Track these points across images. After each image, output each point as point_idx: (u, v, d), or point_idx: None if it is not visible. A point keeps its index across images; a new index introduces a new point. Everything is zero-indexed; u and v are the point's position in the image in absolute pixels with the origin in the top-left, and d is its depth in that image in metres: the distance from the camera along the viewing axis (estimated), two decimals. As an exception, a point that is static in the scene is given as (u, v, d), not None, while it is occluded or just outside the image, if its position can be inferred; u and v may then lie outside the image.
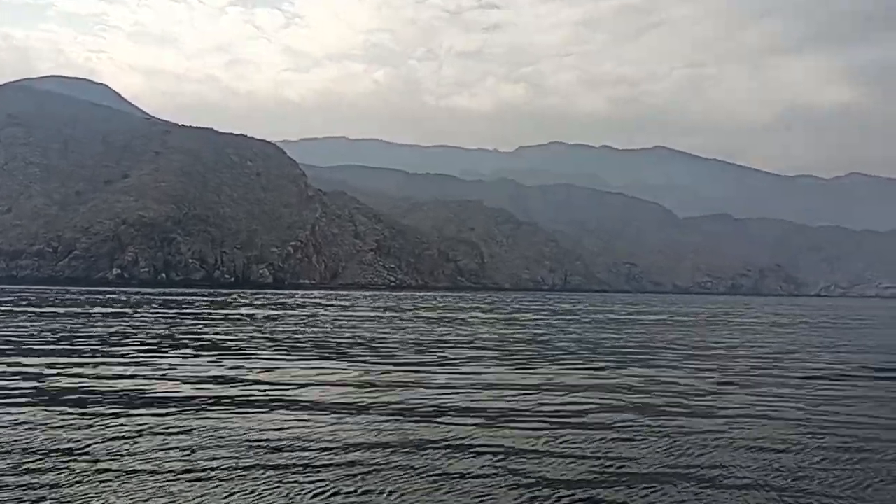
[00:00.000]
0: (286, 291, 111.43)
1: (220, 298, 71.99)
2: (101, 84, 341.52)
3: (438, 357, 21.83)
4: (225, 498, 7.95)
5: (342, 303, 69.24)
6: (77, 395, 13.78)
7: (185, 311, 46.22)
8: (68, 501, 7.68)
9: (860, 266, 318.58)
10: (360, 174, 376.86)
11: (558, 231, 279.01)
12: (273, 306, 57.15)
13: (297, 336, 28.45)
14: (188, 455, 9.51)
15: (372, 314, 48.41)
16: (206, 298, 70.42)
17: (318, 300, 74.72)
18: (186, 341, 24.98)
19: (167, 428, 11.01)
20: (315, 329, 32.64)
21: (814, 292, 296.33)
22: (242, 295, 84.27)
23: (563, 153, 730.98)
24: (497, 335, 31.97)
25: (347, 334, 30.11)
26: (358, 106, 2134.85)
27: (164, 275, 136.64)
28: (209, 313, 44.33)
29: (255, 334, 28.88)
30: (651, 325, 45.33)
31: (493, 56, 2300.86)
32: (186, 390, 14.68)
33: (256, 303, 63.08)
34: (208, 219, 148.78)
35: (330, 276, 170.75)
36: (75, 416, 11.71)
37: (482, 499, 8.19)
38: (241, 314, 44.46)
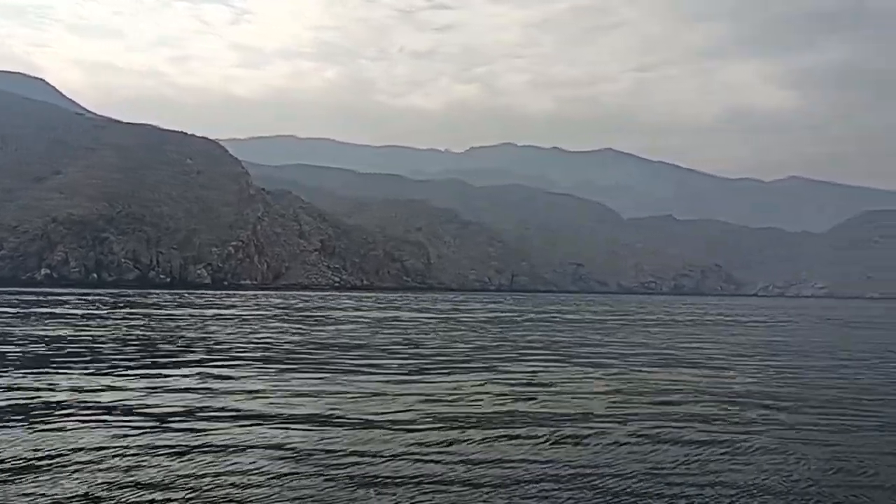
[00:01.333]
0: (225, 292, 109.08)
1: (110, 300, 69.82)
2: (37, 78, 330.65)
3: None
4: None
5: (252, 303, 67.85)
6: None
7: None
8: None
9: (796, 267, 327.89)
10: (308, 173, 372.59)
11: (506, 231, 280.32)
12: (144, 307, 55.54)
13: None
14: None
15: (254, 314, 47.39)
16: (101, 299, 68.22)
17: (233, 301, 73.10)
18: None
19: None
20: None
21: (753, 292, 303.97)
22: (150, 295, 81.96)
23: (513, 154, 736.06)
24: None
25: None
26: (308, 104, 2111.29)
27: (95, 275, 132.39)
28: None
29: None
30: (541, 324, 45.41)
31: (445, 56, 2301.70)
32: None
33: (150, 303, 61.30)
34: (144, 217, 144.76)
35: (273, 276, 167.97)
36: None
37: None
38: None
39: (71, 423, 12.18)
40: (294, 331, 33.54)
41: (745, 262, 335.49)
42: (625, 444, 11.72)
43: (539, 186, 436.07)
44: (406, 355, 24.58)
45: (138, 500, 8.40)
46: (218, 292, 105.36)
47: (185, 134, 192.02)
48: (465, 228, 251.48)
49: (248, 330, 33.86)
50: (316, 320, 42.61)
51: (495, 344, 29.52)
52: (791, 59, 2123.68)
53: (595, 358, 24.94)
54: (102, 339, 27.49)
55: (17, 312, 43.05)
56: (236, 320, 39.86)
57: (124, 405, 13.98)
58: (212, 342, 26.62)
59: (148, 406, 13.95)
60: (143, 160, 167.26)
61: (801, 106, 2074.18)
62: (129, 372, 18.57)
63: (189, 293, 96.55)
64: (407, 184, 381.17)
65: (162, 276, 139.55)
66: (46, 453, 10.20)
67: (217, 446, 10.85)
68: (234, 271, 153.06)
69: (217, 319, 40.35)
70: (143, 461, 9.89)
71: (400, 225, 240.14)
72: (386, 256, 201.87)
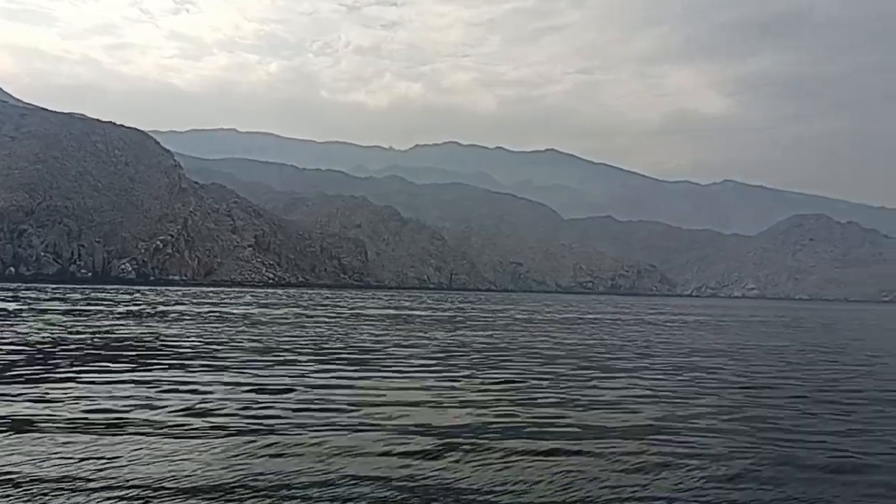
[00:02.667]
0: (151, 288, 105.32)
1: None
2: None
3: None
4: None
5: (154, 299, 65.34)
6: None
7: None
8: None
9: (728, 268, 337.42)
10: (248, 168, 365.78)
11: (446, 230, 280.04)
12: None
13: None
14: None
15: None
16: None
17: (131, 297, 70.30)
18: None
19: None
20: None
21: (687, 292, 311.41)
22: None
23: (457, 152, 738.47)
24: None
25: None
26: (250, 98, 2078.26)
27: (12, 269, 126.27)
28: None
29: None
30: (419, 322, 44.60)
31: (391, 53, 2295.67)
32: None
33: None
34: (66, 209, 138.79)
35: (204, 272, 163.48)
36: None
37: None
38: None
39: None
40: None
41: (680, 263, 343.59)
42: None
43: (482, 185, 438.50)
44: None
45: None
46: (154, 288, 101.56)
47: (114, 124, 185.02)
48: (406, 226, 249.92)
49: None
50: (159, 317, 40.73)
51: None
52: (731, 66, 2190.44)
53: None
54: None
55: None
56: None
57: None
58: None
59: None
60: (67, 150, 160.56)
61: (738, 112, 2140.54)
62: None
63: (113, 289, 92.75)
64: (348, 180, 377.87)
65: (83, 271, 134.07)
66: None
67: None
68: (161, 266, 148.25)
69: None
70: None
71: (339, 222, 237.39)
72: (323, 253, 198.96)
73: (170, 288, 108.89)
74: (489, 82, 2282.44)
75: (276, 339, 28.07)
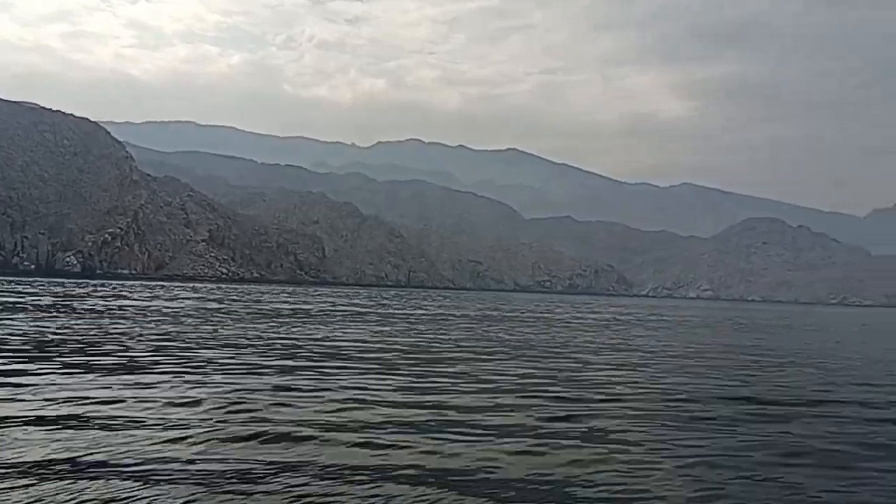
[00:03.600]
0: (97, 281, 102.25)
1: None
2: None
3: None
4: None
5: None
6: None
7: None
8: None
9: (684, 269, 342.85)
10: (205, 161, 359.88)
11: (406, 227, 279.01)
12: None
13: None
14: None
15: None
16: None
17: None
18: None
19: None
20: None
21: (643, 292, 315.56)
22: None
23: (419, 150, 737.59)
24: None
25: None
26: (211, 90, 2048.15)
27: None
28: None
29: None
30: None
31: (355, 48, 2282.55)
32: None
33: None
34: (9, 200, 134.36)
35: (155, 266, 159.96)
36: None
37: None
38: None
39: None
40: None
41: (637, 263, 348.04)
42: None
43: (443, 183, 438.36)
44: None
45: None
46: (81, 281, 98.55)
47: (64, 114, 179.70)
48: (364, 223, 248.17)
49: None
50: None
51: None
52: (690, 71, 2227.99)
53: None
54: None
55: None
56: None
57: None
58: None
59: None
60: (13, 139, 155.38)
61: (697, 116, 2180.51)
62: None
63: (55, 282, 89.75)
64: (308, 176, 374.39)
65: (26, 263, 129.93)
66: None
67: None
68: (110, 260, 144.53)
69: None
70: None
71: (296, 217, 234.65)
72: (279, 249, 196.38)
73: (115, 282, 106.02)
74: (453, 80, 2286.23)
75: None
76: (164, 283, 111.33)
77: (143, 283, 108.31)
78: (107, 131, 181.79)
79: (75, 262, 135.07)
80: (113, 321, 31.28)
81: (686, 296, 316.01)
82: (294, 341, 25.91)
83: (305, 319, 39.11)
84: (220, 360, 18.98)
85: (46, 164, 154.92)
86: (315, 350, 23.03)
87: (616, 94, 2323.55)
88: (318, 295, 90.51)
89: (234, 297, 67.60)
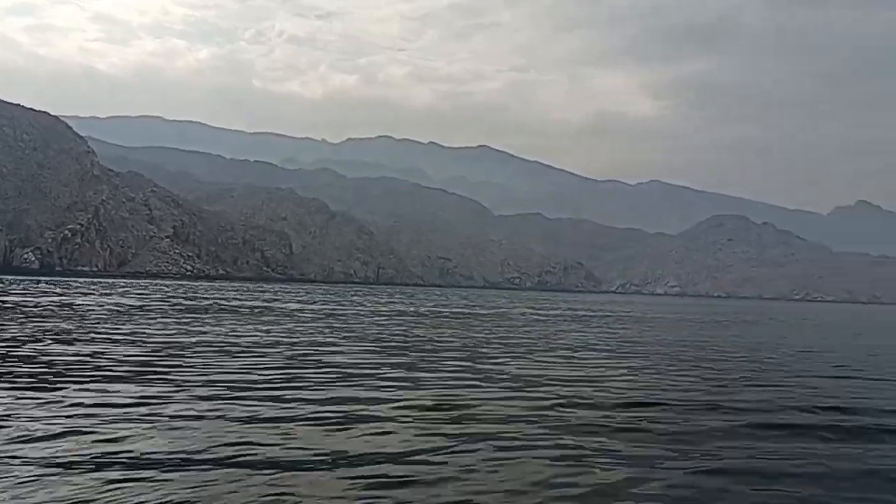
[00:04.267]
0: (59, 279, 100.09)
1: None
2: None
3: None
4: None
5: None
6: None
7: None
8: None
9: (652, 266, 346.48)
10: (172, 156, 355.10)
11: (375, 224, 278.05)
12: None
13: None
14: None
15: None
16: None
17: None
18: None
19: None
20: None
21: (612, 289, 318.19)
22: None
23: (390, 147, 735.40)
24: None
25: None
26: (179, 85, 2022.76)
27: None
28: None
29: None
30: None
31: (326, 44, 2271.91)
32: None
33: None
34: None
35: (117, 263, 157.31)
36: None
37: None
38: None
39: None
40: None
41: (606, 260, 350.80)
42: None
43: (413, 180, 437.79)
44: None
45: None
46: (60, 279, 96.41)
47: (23, 108, 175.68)
48: (333, 219, 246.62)
49: None
50: None
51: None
52: (658, 70, 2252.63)
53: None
54: None
55: None
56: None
57: None
58: None
59: None
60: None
61: (666, 115, 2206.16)
62: None
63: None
64: (277, 172, 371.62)
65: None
66: None
67: None
68: (70, 257, 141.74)
69: None
70: None
71: (264, 214, 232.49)
72: (246, 245, 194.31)
73: (77, 279, 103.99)
74: (424, 77, 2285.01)
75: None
76: (125, 281, 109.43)
77: (101, 280, 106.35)
78: (68, 125, 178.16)
79: (34, 258, 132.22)
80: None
81: (654, 292, 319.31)
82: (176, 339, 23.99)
83: (228, 317, 37.63)
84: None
85: (4, 158, 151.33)
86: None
87: (586, 92, 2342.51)
88: (277, 292, 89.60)
89: (175, 294, 66.47)
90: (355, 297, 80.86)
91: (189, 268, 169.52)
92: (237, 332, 27.49)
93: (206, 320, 32.98)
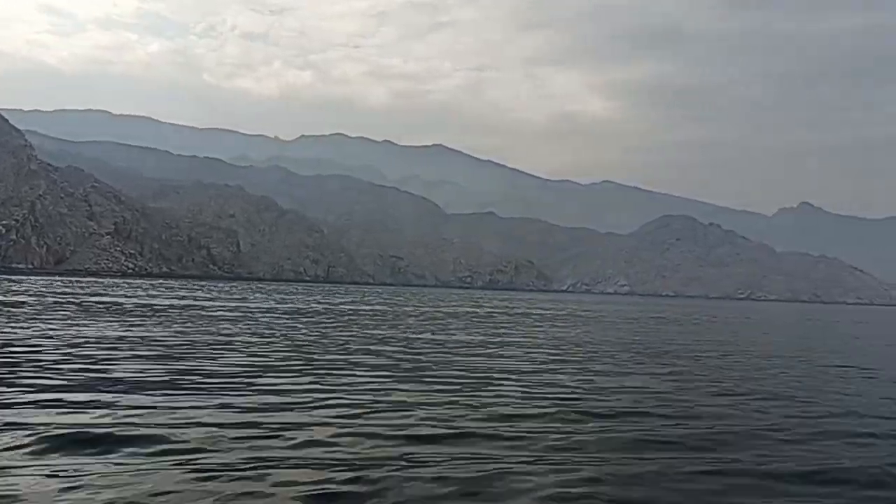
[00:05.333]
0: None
1: None
2: None
3: None
4: None
5: None
6: None
7: None
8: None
9: (603, 265, 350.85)
10: (116, 151, 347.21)
11: (326, 222, 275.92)
12: None
13: None
14: None
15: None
16: None
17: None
18: None
19: None
20: None
21: (563, 288, 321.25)
22: None
23: (344, 145, 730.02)
24: None
25: None
26: (127, 79, 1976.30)
27: None
28: None
29: None
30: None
31: (280, 40, 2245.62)
32: None
33: None
34: None
35: (54, 260, 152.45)
36: None
37: None
38: None
39: None
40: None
41: (558, 259, 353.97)
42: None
43: (367, 178, 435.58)
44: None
45: None
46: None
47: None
48: (283, 217, 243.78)
49: None
50: None
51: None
52: (612, 72, 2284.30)
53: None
54: None
55: None
56: None
57: None
58: None
59: None
60: None
61: (619, 116, 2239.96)
62: None
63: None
64: (227, 169, 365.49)
65: None
66: None
67: None
68: (4, 254, 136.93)
69: None
70: None
71: (212, 211, 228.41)
72: (191, 243, 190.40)
73: (10, 277, 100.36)
74: (380, 75, 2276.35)
75: None
76: (60, 278, 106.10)
77: (34, 278, 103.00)
78: (4, 118, 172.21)
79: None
80: None
81: (604, 291, 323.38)
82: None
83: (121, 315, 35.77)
84: None
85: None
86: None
87: (542, 92, 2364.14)
88: (205, 289, 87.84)
89: (81, 291, 64.52)
90: (280, 295, 79.79)
91: (131, 265, 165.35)
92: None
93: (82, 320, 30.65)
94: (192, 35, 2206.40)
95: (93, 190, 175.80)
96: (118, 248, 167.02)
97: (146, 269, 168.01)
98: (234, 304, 50.05)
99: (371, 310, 52.91)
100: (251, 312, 41.19)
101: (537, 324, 44.21)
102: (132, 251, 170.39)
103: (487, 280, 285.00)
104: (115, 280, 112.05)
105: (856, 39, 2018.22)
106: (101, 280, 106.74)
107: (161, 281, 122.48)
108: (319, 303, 61.97)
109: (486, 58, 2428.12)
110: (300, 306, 52.97)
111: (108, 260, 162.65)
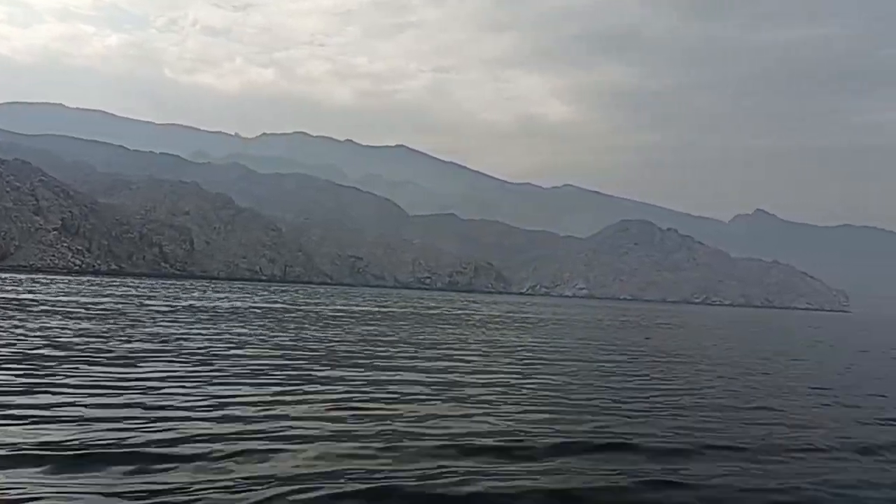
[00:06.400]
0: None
1: None
2: None
3: None
4: None
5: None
6: None
7: None
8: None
9: (562, 268, 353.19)
10: (68, 145, 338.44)
11: (285, 221, 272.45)
12: None
13: None
14: None
15: None
16: None
17: None
18: None
19: None
20: None
21: (522, 290, 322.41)
22: None
23: (306, 143, 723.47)
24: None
25: None
26: (84, 72, 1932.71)
27: None
28: None
29: None
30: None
31: (243, 36, 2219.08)
32: None
33: None
34: None
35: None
36: None
37: None
38: None
39: None
40: None
41: (518, 262, 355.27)
42: None
43: (328, 178, 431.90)
44: None
45: None
46: None
47: None
48: (239, 215, 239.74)
49: None
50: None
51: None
52: (575, 75, 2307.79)
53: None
54: None
55: None
56: None
57: None
58: None
59: None
60: None
61: (581, 119, 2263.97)
62: None
63: None
64: (184, 165, 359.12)
65: None
66: None
67: None
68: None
69: None
70: None
71: (165, 208, 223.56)
72: (142, 240, 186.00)
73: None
74: (344, 74, 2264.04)
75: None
76: (4, 276, 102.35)
77: (4, 276, 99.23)
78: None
79: None
80: None
81: (563, 294, 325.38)
82: None
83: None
84: None
85: None
86: None
87: (505, 95, 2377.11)
88: (156, 288, 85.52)
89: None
90: (215, 293, 78.00)
91: (78, 262, 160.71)
92: None
93: None
94: (153, 29, 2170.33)
95: (40, 184, 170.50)
96: (65, 245, 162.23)
97: (94, 266, 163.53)
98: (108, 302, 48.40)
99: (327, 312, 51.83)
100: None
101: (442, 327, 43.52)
102: (79, 247, 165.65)
103: (447, 281, 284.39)
104: (65, 277, 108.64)
105: (810, 50, 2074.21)
106: (48, 277, 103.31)
107: (115, 279, 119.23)
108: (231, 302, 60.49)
109: (452, 59, 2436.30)
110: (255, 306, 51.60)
111: (54, 256, 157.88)
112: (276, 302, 63.46)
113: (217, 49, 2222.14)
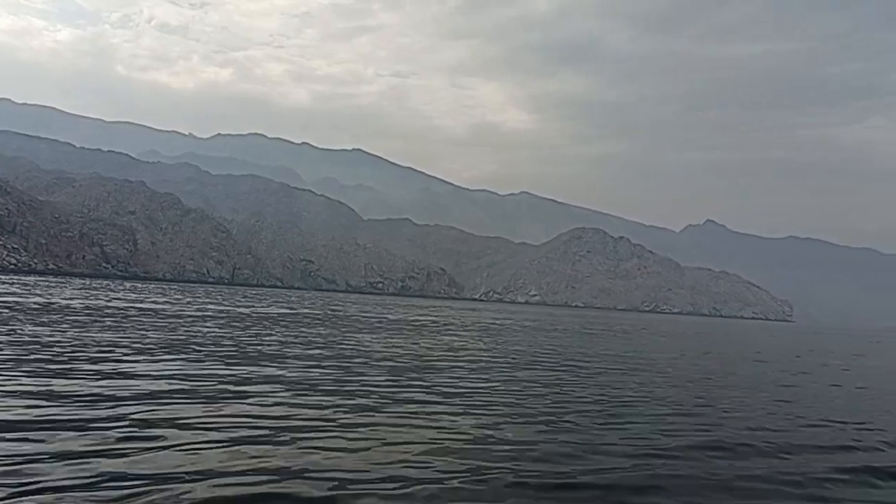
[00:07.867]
0: None
1: None
2: None
3: None
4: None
5: None
6: None
7: None
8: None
9: (515, 275, 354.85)
10: (11, 141, 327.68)
11: (235, 223, 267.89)
12: None
13: None
14: None
15: None
16: None
17: None
18: None
19: None
20: None
21: (475, 296, 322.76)
22: None
23: (261, 145, 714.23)
24: None
25: None
26: (33, 66, 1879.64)
27: None
28: None
29: None
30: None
31: (199, 34, 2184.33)
32: None
33: None
34: None
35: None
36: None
37: None
38: None
39: None
40: None
41: (471, 268, 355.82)
42: None
43: (283, 180, 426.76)
44: None
45: None
46: None
47: None
48: (187, 216, 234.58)
49: None
50: None
51: None
52: (533, 85, 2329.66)
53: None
54: None
55: None
56: None
57: None
58: None
59: None
60: None
61: (538, 128, 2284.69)
62: None
63: None
64: (133, 164, 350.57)
65: None
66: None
67: None
68: None
69: None
70: None
71: (110, 207, 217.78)
72: (83, 239, 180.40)
73: None
74: (302, 76, 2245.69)
75: None
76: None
77: None
78: None
79: None
80: None
81: (515, 300, 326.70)
82: None
83: None
84: None
85: None
86: None
87: (463, 101, 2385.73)
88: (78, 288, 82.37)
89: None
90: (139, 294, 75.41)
91: (13, 261, 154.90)
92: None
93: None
94: (106, 24, 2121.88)
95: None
96: (0, 242, 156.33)
97: (30, 265, 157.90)
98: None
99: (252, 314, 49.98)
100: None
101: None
102: (15, 246, 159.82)
103: (399, 286, 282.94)
104: (4, 277, 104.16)
105: (762, 64, 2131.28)
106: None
107: (50, 279, 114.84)
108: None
109: (410, 64, 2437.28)
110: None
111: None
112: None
113: (173, 47, 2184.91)
